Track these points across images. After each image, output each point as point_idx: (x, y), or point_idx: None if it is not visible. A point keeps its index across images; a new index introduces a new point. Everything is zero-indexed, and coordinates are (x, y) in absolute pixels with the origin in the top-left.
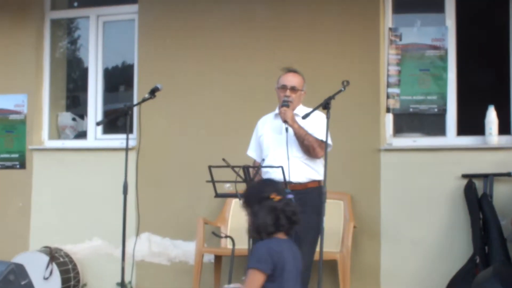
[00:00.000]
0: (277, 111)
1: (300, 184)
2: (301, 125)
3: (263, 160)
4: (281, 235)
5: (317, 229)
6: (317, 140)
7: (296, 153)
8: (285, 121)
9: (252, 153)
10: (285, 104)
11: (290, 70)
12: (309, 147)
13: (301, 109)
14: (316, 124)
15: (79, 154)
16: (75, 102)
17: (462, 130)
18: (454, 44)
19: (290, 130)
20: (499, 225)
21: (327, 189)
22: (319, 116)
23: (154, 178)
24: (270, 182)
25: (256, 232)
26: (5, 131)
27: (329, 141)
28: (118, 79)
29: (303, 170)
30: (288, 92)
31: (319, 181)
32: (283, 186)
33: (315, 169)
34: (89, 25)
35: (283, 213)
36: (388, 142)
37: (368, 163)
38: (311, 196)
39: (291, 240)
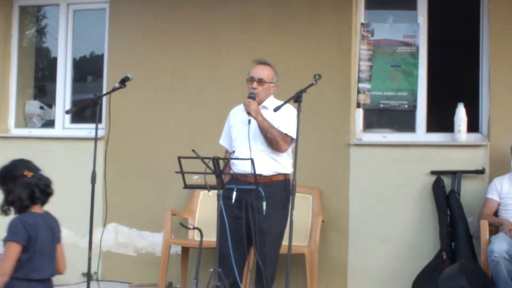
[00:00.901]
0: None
1: (264, 177)
2: (265, 118)
3: (233, 152)
4: (37, 208)
5: (283, 223)
6: (281, 133)
7: (260, 146)
8: (248, 113)
9: (224, 142)
10: (251, 96)
11: (260, 62)
12: (272, 140)
13: (271, 102)
14: (284, 118)
15: (46, 143)
16: (42, 91)
17: (432, 127)
18: (426, 41)
19: (256, 122)
20: (466, 222)
21: (297, 183)
22: (288, 110)
23: (122, 168)
24: (21, 161)
25: (13, 207)
26: None
27: (293, 134)
28: (87, 69)
29: (267, 163)
30: (255, 84)
31: (284, 174)
32: (34, 164)
33: (280, 163)
34: (59, 13)
35: (37, 187)
36: (358, 137)
37: (337, 157)
38: (276, 189)
39: (50, 214)
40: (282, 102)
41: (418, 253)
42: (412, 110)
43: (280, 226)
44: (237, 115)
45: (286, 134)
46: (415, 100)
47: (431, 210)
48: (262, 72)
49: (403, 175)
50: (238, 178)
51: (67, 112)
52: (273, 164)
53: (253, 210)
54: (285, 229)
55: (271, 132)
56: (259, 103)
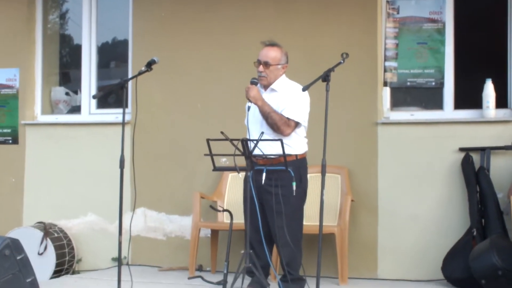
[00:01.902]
0: None
1: (274, 158)
2: (273, 100)
3: (262, 133)
4: None
5: (297, 202)
6: (282, 118)
7: (265, 129)
8: (248, 99)
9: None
10: (253, 81)
11: (267, 44)
12: (273, 125)
13: (281, 83)
14: (289, 101)
15: (72, 129)
16: (67, 77)
17: (460, 103)
18: (452, 17)
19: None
20: (496, 198)
21: (326, 163)
22: (295, 93)
23: (149, 152)
24: None
25: None
26: None
27: (299, 120)
28: (111, 55)
29: (274, 145)
30: (261, 68)
31: (295, 155)
32: None
33: (289, 144)
34: None
35: None
36: (385, 116)
37: (365, 137)
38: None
39: None
40: (293, 83)
41: (448, 231)
42: (439, 87)
43: (293, 206)
44: None
45: (288, 118)
46: (442, 77)
47: (461, 187)
48: (267, 54)
49: (431, 152)
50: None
51: (93, 96)
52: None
53: (264, 191)
54: (302, 209)
55: (272, 117)
56: (267, 86)
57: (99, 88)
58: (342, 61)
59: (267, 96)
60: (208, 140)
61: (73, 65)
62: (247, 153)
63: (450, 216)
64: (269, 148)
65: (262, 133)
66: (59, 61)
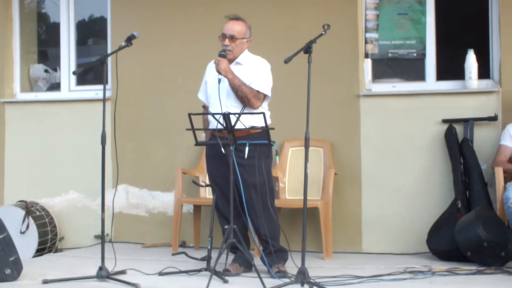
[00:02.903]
0: None
1: (241, 130)
2: (240, 74)
3: (244, 106)
4: None
5: (267, 173)
6: (252, 90)
7: (233, 102)
8: (218, 72)
9: (201, 96)
10: (221, 54)
11: (232, 18)
12: (243, 98)
13: (245, 57)
14: (256, 74)
15: (52, 106)
16: (45, 55)
17: (442, 75)
18: None
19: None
20: (480, 169)
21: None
22: (261, 66)
23: (130, 128)
24: None
25: None
26: None
27: (267, 92)
28: (90, 32)
29: (242, 118)
30: (226, 41)
31: (262, 127)
32: None
33: (256, 117)
34: None
35: None
36: (367, 88)
37: (347, 109)
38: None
39: None
40: (256, 56)
41: (432, 203)
42: (421, 58)
43: (260, 177)
44: (212, 71)
45: (257, 91)
46: (424, 48)
47: (444, 159)
48: (233, 28)
49: (414, 124)
50: (214, 134)
51: (73, 72)
52: (249, 118)
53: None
54: (270, 179)
55: (242, 90)
56: (233, 60)
57: (79, 65)
58: (323, 32)
59: (233, 70)
60: (189, 115)
61: (51, 43)
62: (229, 127)
63: (434, 188)
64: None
65: (244, 106)
66: (37, 38)
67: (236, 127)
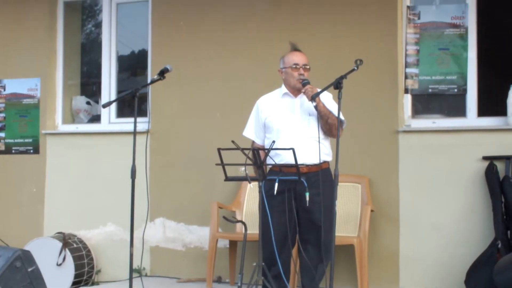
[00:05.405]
0: (284, 90)
1: (315, 165)
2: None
3: (273, 142)
4: None
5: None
6: (335, 118)
7: (313, 133)
8: (312, 99)
9: (250, 134)
10: (307, 81)
11: (298, 49)
12: (332, 126)
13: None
14: (332, 103)
15: (92, 138)
16: (89, 86)
17: (483, 110)
18: (475, 22)
19: (299, 110)
20: None
21: (346, 172)
22: (330, 96)
23: (168, 162)
24: None
25: None
26: (18, 116)
27: (343, 118)
28: (133, 63)
29: (317, 151)
30: (301, 71)
31: (328, 162)
32: None
33: (327, 150)
34: (102, 6)
35: None
36: (406, 124)
37: (386, 145)
38: (327, 177)
39: None
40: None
41: (471, 242)
42: (462, 94)
43: (332, 217)
44: (273, 104)
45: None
46: (465, 84)
47: (485, 197)
48: (304, 58)
49: (454, 161)
50: (281, 170)
51: (103, 106)
52: (323, 152)
53: (303, 200)
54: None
55: (332, 118)
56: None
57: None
58: (355, 67)
59: (302, 101)
60: (219, 150)
61: (95, 73)
62: (258, 162)
63: (474, 227)
64: (312, 156)
65: (273, 142)
66: (80, 70)
67: (310, 162)
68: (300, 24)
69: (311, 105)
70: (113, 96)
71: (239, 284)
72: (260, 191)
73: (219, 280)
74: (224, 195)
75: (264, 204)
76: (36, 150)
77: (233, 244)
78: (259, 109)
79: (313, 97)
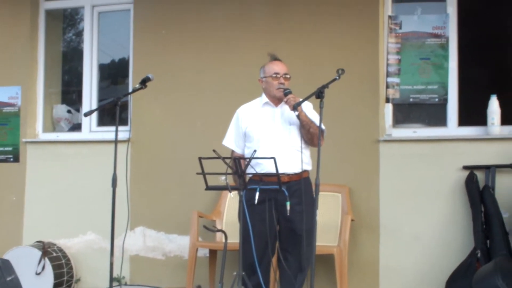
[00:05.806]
0: (264, 99)
1: (296, 174)
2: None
3: (255, 151)
4: None
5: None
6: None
7: (294, 142)
8: (294, 109)
9: (230, 143)
10: (289, 91)
11: (277, 58)
12: (313, 135)
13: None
14: (312, 113)
15: (73, 147)
16: (70, 94)
17: (464, 120)
18: (456, 32)
19: (280, 119)
20: (501, 218)
21: (326, 181)
22: (310, 106)
23: (149, 171)
24: None
25: None
26: None
27: (324, 127)
28: (114, 72)
29: (297, 160)
30: (282, 80)
31: (308, 171)
32: None
33: (307, 159)
34: (83, 15)
35: None
36: (387, 133)
37: (367, 154)
38: (307, 187)
39: None
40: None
41: (451, 251)
42: (443, 103)
43: (313, 227)
44: (253, 113)
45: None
46: (446, 93)
47: (464, 206)
48: (284, 67)
49: (434, 170)
50: (262, 179)
51: (85, 114)
52: (304, 161)
53: (283, 209)
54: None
55: (313, 127)
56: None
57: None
58: (337, 77)
59: (283, 110)
60: (200, 159)
61: (76, 81)
62: (239, 171)
63: (453, 236)
64: (292, 165)
65: (255, 151)
66: (61, 78)
67: (291, 171)
68: (280, 33)
69: (292, 114)
70: (94, 105)
71: None
72: (240, 200)
73: None
74: (205, 204)
75: (245, 213)
76: (16, 159)
77: (213, 253)
78: (239, 118)
79: (295, 106)
